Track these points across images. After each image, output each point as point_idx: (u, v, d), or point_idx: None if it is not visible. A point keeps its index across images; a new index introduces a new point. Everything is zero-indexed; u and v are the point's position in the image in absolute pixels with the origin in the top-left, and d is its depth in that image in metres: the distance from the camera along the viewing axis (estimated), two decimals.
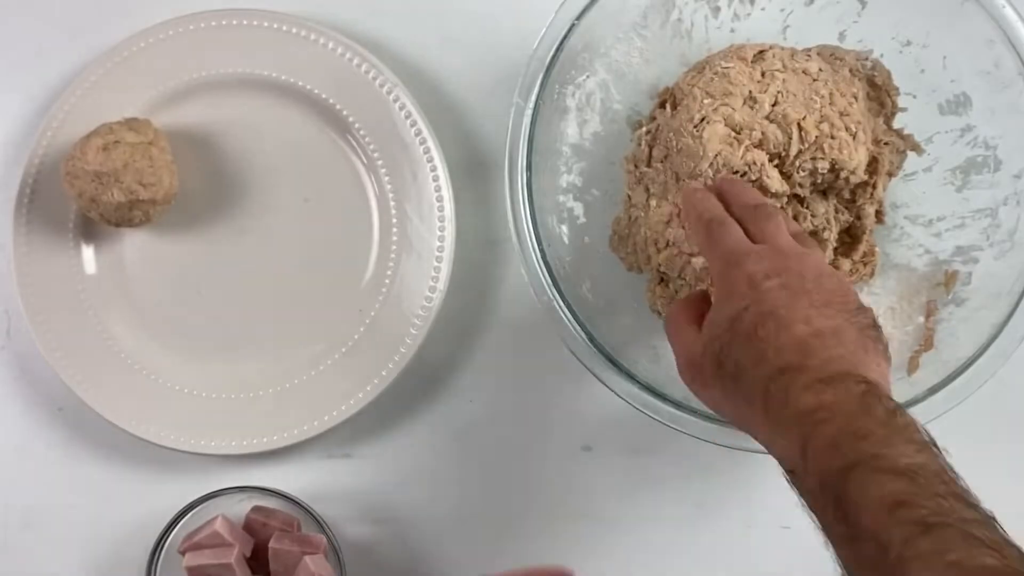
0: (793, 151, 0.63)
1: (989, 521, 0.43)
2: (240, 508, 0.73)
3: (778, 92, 0.64)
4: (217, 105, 0.75)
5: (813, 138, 0.63)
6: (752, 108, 0.64)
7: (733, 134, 0.64)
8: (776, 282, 0.53)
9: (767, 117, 0.64)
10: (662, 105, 0.69)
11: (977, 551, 0.41)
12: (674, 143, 0.65)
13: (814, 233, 0.67)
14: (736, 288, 0.54)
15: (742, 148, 0.63)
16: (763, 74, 0.65)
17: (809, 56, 0.66)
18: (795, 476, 0.48)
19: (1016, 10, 0.64)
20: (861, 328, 0.52)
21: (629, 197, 0.70)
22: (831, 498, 0.45)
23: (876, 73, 0.69)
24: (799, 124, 0.63)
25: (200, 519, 0.71)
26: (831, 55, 0.68)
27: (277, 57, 0.74)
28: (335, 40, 0.74)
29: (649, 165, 0.68)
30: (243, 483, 0.72)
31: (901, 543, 0.42)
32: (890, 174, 0.69)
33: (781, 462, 0.50)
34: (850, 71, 0.67)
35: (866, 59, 0.68)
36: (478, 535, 0.75)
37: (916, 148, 0.69)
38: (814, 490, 0.47)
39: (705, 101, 0.64)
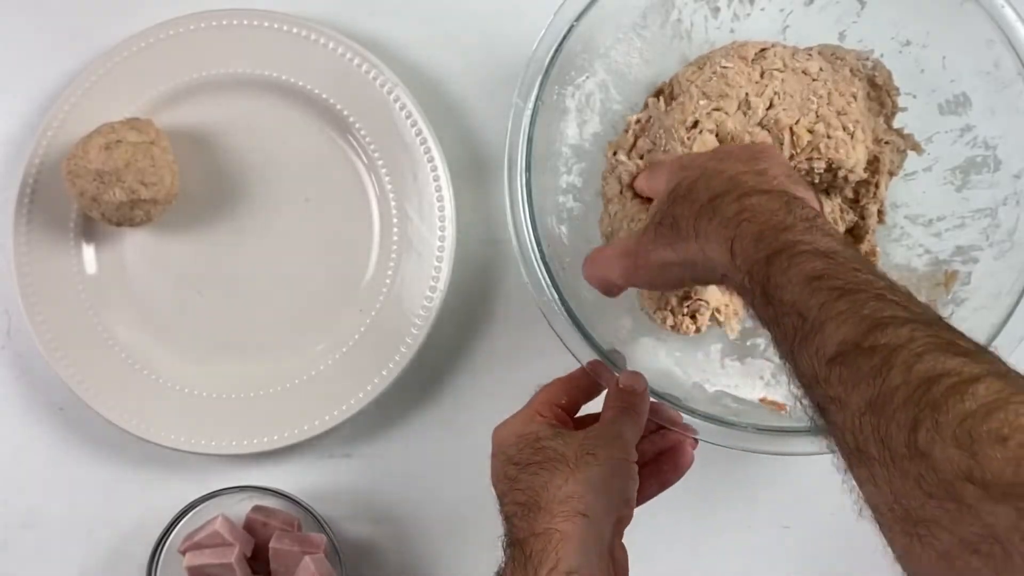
0: (785, 156, 0.64)
1: (900, 288, 0.45)
2: (240, 508, 0.73)
3: (775, 93, 0.64)
4: (217, 105, 0.75)
5: (805, 143, 0.63)
6: (745, 114, 0.64)
7: None
8: (708, 156, 0.58)
9: (760, 123, 0.64)
10: (657, 95, 0.69)
11: (887, 305, 0.43)
12: (663, 141, 0.65)
13: None
14: (670, 169, 0.58)
15: None
16: (762, 74, 0.65)
17: (810, 56, 0.66)
18: (727, 280, 0.50)
19: (1016, 10, 0.64)
20: (789, 170, 0.55)
21: (604, 190, 0.69)
22: (758, 285, 0.47)
23: (877, 73, 0.69)
24: (791, 129, 0.63)
25: (200, 519, 0.71)
26: (832, 55, 0.68)
27: (277, 57, 0.74)
28: (335, 40, 0.74)
29: (628, 155, 0.68)
30: (243, 483, 0.72)
31: (818, 308, 0.44)
32: (891, 173, 0.69)
33: (715, 272, 0.51)
34: (851, 71, 0.67)
35: (867, 59, 0.68)
36: (478, 535, 0.74)
37: (916, 148, 0.69)
38: (743, 285, 0.48)
39: (701, 102, 0.64)
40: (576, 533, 0.52)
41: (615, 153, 0.69)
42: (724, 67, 0.65)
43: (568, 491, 0.53)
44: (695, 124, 0.64)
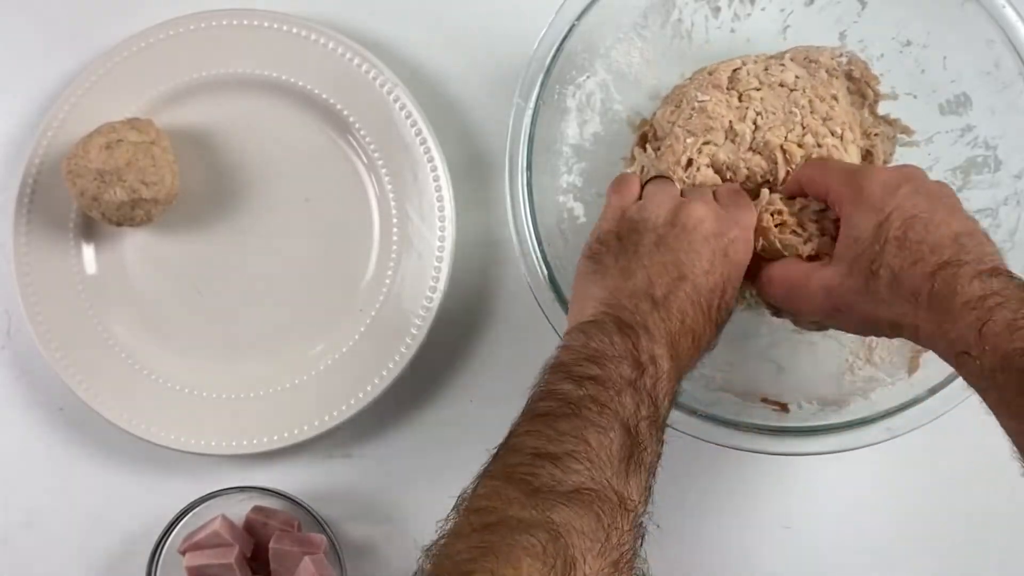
0: (781, 175, 0.64)
1: None
2: (240, 508, 0.73)
3: (757, 114, 0.64)
4: (217, 105, 0.75)
5: (798, 158, 0.63)
6: (734, 141, 0.64)
7: (720, 181, 0.64)
8: (909, 188, 0.57)
9: (750, 148, 0.64)
10: (641, 143, 0.69)
11: None
12: None
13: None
14: (869, 198, 0.57)
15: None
16: (740, 97, 0.65)
17: (783, 65, 0.66)
18: (969, 357, 0.51)
19: (1016, 10, 0.64)
20: (982, 229, 0.56)
21: None
22: (1015, 373, 0.49)
23: (853, 67, 0.69)
24: (781, 147, 0.63)
25: (200, 519, 0.71)
26: (805, 58, 0.68)
27: (277, 57, 0.74)
28: (335, 40, 0.74)
29: None
30: (243, 483, 0.72)
31: None
32: (885, 162, 0.69)
33: (954, 344, 0.52)
34: (827, 72, 0.67)
35: (840, 55, 0.68)
36: None
37: (906, 130, 0.69)
38: (995, 367, 0.50)
39: (688, 140, 0.64)
40: None
41: None
42: (701, 101, 0.65)
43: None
44: (689, 163, 0.64)
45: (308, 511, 0.71)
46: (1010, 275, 0.52)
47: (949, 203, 0.57)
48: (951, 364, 0.53)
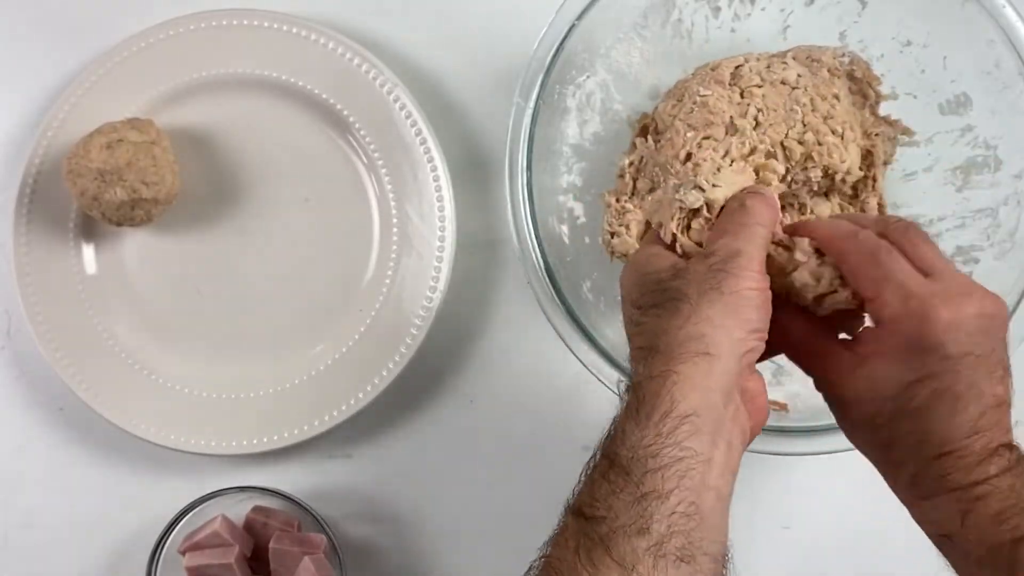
0: (780, 171, 0.64)
1: None
2: (240, 508, 0.73)
3: (758, 110, 0.64)
4: (217, 105, 0.75)
5: (798, 155, 0.63)
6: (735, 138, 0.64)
7: None
8: (973, 350, 0.49)
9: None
10: (642, 134, 0.69)
11: None
12: (660, 179, 0.65)
13: None
14: (922, 343, 0.49)
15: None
16: (742, 93, 0.64)
17: (786, 63, 0.66)
18: (952, 539, 0.49)
19: (1016, 10, 0.64)
20: (1009, 384, 0.51)
21: (613, 244, 0.68)
22: (1004, 563, 0.47)
23: (855, 67, 0.69)
24: (782, 144, 0.63)
25: (200, 519, 0.71)
26: (807, 57, 0.68)
27: (277, 57, 0.74)
28: (335, 40, 0.74)
29: (632, 199, 0.67)
30: (243, 483, 0.72)
31: None
32: (886, 163, 0.69)
33: (933, 525, 0.51)
34: (828, 71, 0.67)
35: (843, 55, 0.68)
36: (478, 535, 0.75)
37: (907, 131, 0.69)
38: (980, 555, 0.48)
39: (688, 135, 0.64)
40: (696, 373, 0.48)
41: (617, 200, 0.67)
42: (703, 95, 0.65)
43: (688, 332, 0.49)
44: (688, 156, 0.64)
45: (308, 511, 0.71)
46: (1006, 447, 0.49)
47: (1002, 362, 0.50)
48: (933, 542, 0.51)
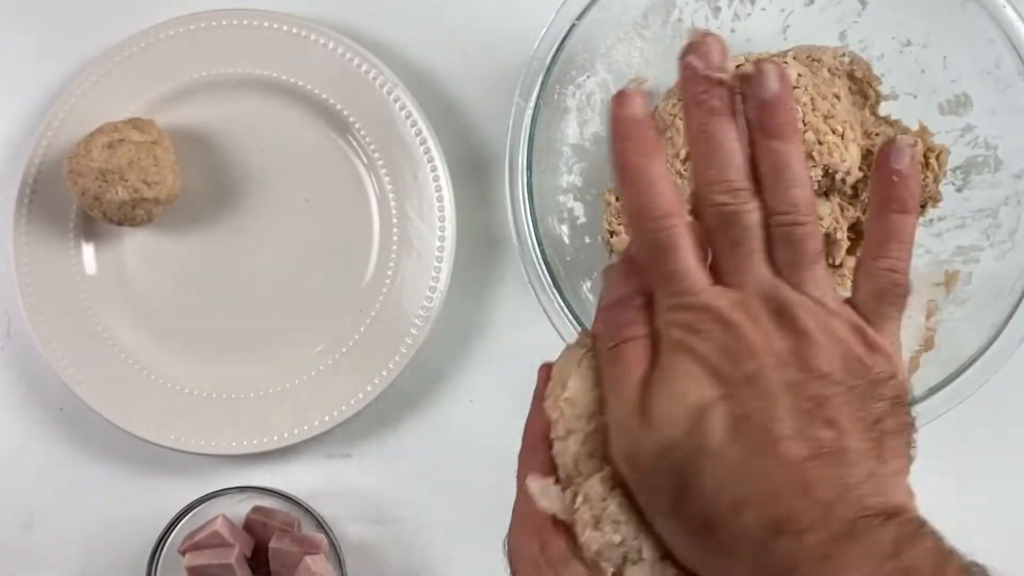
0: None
1: None
2: (240, 508, 0.73)
3: None
4: (217, 105, 0.75)
5: None
6: None
7: None
8: (767, 360, 0.37)
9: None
10: None
11: None
12: None
13: (826, 236, 0.67)
14: (687, 367, 0.38)
15: None
16: None
17: (786, 63, 0.66)
18: None
19: (1016, 10, 0.64)
20: (873, 423, 0.38)
21: (612, 242, 0.68)
22: None
23: (855, 67, 0.69)
24: None
25: (200, 519, 0.71)
26: (808, 57, 0.68)
27: (277, 57, 0.74)
28: (335, 40, 0.74)
29: None
30: (243, 483, 0.72)
31: None
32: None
33: None
34: (829, 71, 0.67)
35: (843, 55, 0.68)
36: (478, 535, 0.75)
37: (906, 132, 0.69)
38: None
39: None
40: None
41: (617, 199, 0.68)
42: None
43: None
44: (688, 156, 0.64)
45: (308, 511, 0.71)
46: (880, 519, 0.36)
47: (836, 382, 0.37)
48: None
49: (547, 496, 0.42)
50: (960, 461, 0.73)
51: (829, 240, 0.68)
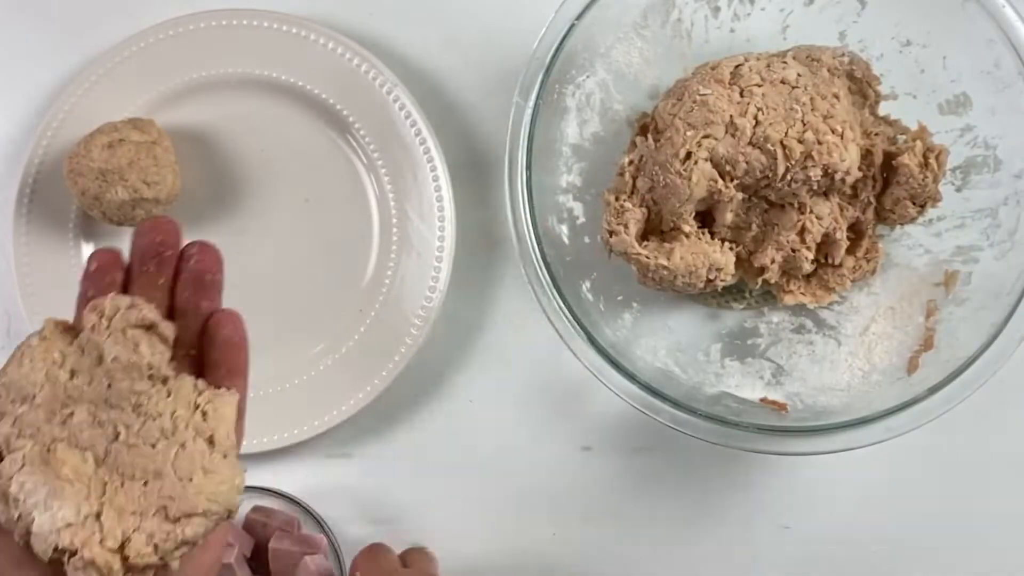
0: (780, 170, 0.64)
1: None
2: (240, 508, 0.72)
3: (758, 109, 0.64)
4: (217, 105, 0.75)
5: (798, 154, 0.63)
6: (734, 136, 0.64)
7: (717, 176, 0.64)
8: None
9: (750, 142, 0.64)
10: (642, 133, 0.69)
11: None
12: (660, 178, 0.65)
13: (826, 236, 0.67)
14: None
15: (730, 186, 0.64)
16: (742, 92, 0.65)
17: (786, 63, 0.66)
18: None
19: (1016, 10, 0.64)
20: None
21: (611, 243, 0.68)
22: None
23: (855, 67, 0.69)
24: (782, 143, 0.63)
25: None
26: (807, 57, 0.68)
27: (277, 57, 0.74)
28: (335, 40, 0.74)
29: (631, 197, 0.67)
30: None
31: None
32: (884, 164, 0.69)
33: None
34: (828, 71, 0.67)
35: (843, 55, 0.68)
36: (478, 535, 0.75)
37: (906, 132, 0.69)
38: None
39: (688, 134, 0.64)
40: None
41: (617, 198, 0.67)
42: (703, 94, 0.65)
43: None
44: (688, 155, 0.64)
45: (308, 511, 0.71)
46: None
47: None
48: None
49: None
50: (960, 461, 0.73)
51: (828, 240, 0.68)
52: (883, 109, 0.70)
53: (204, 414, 0.47)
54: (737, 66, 0.66)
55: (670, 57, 0.71)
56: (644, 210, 0.67)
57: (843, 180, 0.65)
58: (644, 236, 0.68)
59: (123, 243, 0.75)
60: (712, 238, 0.67)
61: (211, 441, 0.46)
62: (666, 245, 0.66)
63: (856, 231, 0.69)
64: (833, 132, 0.64)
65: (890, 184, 0.68)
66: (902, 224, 0.70)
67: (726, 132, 0.64)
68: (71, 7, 0.77)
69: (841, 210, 0.68)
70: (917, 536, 0.74)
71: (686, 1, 0.69)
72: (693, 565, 0.74)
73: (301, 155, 0.75)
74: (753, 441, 0.64)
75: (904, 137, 0.69)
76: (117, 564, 0.44)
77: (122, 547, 0.44)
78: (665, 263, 0.65)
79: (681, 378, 0.69)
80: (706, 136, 0.64)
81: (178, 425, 0.46)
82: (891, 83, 0.69)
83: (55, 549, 0.44)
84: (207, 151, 0.75)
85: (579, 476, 0.74)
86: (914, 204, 0.68)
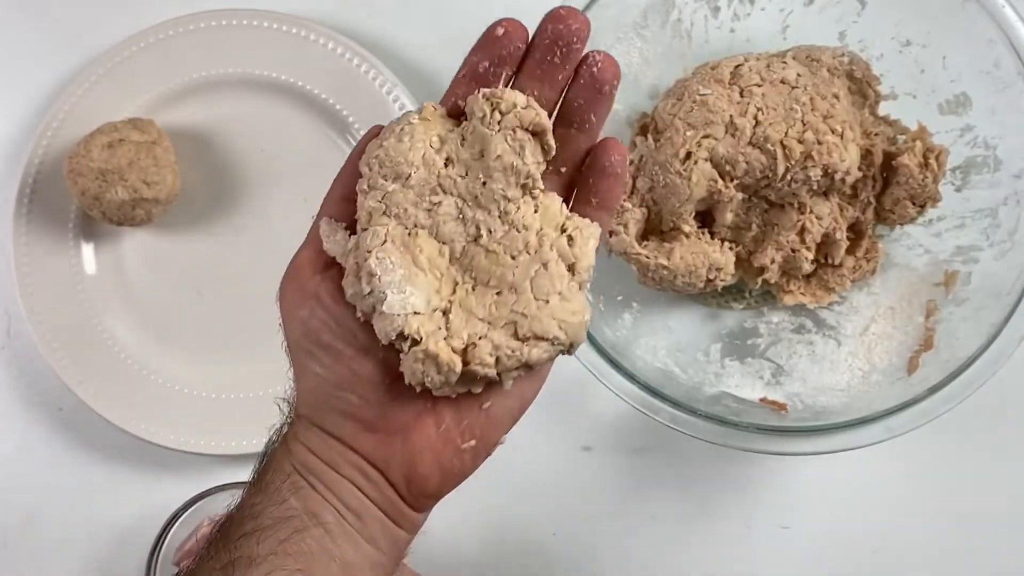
0: (780, 170, 0.64)
1: None
2: (227, 508, 0.72)
3: (758, 109, 0.64)
4: (217, 105, 0.75)
5: (798, 154, 0.63)
6: (734, 136, 0.64)
7: (717, 176, 0.64)
8: None
9: (750, 142, 0.64)
10: (642, 133, 0.69)
11: None
12: (660, 178, 0.65)
13: (826, 236, 0.67)
14: None
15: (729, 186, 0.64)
16: (741, 92, 0.65)
17: (785, 63, 0.66)
18: None
19: (1016, 10, 0.64)
20: None
21: (610, 242, 0.68)
22: None
23: (854, 67, 0.69)
24: (782, 143, 0.63)
25: (188, 526, 0.70)
26: (807, 57, 0.68)
27: (277, 57, 0.74)
28: (335, 40, 0.74)
29: (631, 198, 0.67)
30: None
31: None
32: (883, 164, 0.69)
33: None
34: (828, 71, 0.67)
35: (842, 55, 0.68)
36: (478, 535, 0.75)
37: (906, 132, 0.69)
38: None
39: (688, 133, 0.64)
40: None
41: None
42: (703, 94, 0.65)
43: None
44: (688, 155, 0.64)
45: None
46: None
47: None
48: None
49: (332, 239, 0.45)
50: (960, 461, 0.73)
51: (828, 240, 0.68)
52: (883, 109, 0.70)
53: (571, 239, 0.44)
54: (737, 66, 0.66)
55: (670, 57, 0.71)
56: (644, 210, 0.67)
57: (843, 180, 0.65)
58: (644, 236, 0.68)
59: (123, 243, 0.75)
60: (712, 238, 0.67)
61: (572, 269, 0.44)
62: (666, 245, 0.66)
63: (856, 231, 0.69)
64: (833, 132, 0.64)
65: (890, 184, 0.68)
66: (902, 224, 0.70)
67: (726, 132, 0.64)
68: (71, 7, 0.77)
69: (841, 210, 0.68)
70: (917, 536, 0.74)
71: (686, 1, 0.69)
72: (693, 565, 0.74)
73: (301, 155, 0.75)
74: (753, 441, 0.64)
75: (904, 137, 0.69)
76: (458, 365, 0.42)
77: (464, 351, 0.43)
78: (665, 263, 0.65)
79: (681, 378, 0.69)
80: (706, 136, 0.64)
81: (543, 243, 0.44)
82: (891, 83, 0.69)
83: (399, 335, 0.42)
84: (207, 151, 0.75)
85: (579, 476, 0.74)
86: (914, 204, 0.68)
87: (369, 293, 0.43)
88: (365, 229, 0.44)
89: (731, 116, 0.64)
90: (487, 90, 0.44)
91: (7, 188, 0.74)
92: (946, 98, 0.68)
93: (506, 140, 0.44)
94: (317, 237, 0.46)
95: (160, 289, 0.75)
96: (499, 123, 0.44)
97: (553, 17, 0.45)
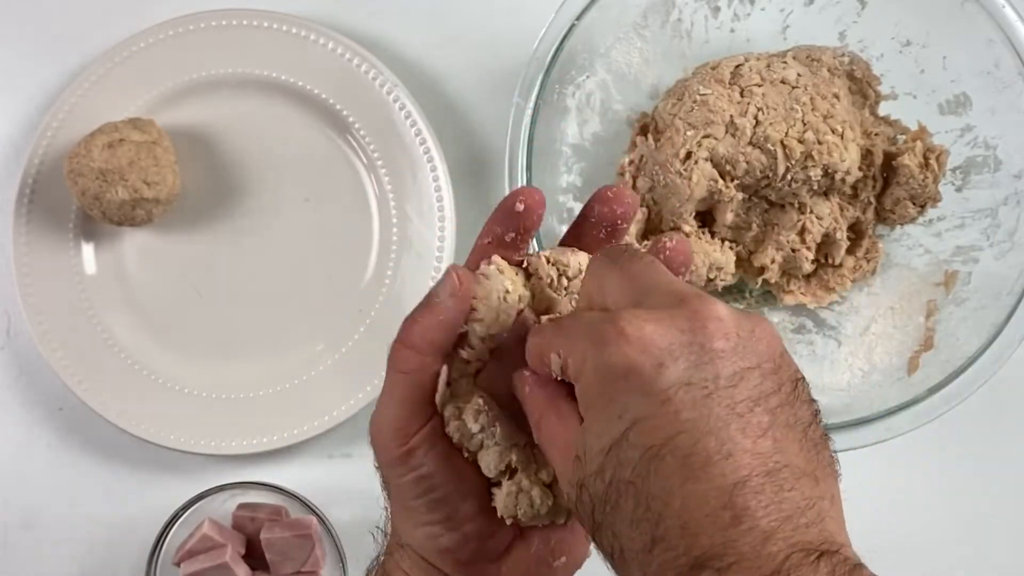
0: (780, 170, 0.64)
1: None
2: (226, 508, 0.72)
3: (758, 109, 0.64)
4: (217, 105, 0.75)
5: (798, 154, 0.63)
6: (735, 136, 0.64)
7: (718, 176, 0.64)
8: (691, 378, 0.33)
9: (750, 142, 0.64)
10: (642, 133, 0.69)
11: None
12: (660, 178, 0.65)
13: (826, 236, 0.67)
14: (611, 373, 0.34)
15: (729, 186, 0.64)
16: (742, 92, 0.65)
17: (786, 63, 0.66)
18: None
19: (1016, 10, 0.64)
20: (805, 429, 0.35)
21: None
22: None
23: (855, 67, 0.69)
24: (782, 143, 0.63)
25: (189, 526, 0.70)
26: (807, 57, 0.68)
27: (277, 57, 0.74)
28: (335, 40, 0.74)
29: None
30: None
31: None
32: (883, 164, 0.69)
33: None
34: (828, 70, 0.67)
35: (843, 55, 0.69)
36: None
37: (906, 132, 0.69)
38: None
39: (688, 133, 0.64)
40: None
41: None
42: (703, 94, 0.65)
43: None
44: (688, 155, 0.64)
45: (293, 496, 0.70)
46: (811, 557, 0.32)
47: (753, 397, 0.33)
48: None
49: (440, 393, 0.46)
50: (960, 461, 0.73)
51: (829, 240, 0.68)
52: (883, 109, 0.70)
53: None
54: (737, 66, 0.66)
55: (670, 57, 0.71)
56: (644, 210, 0.67)
57: (843, 180, 0.66)
58: (644, 236, 0.68)
59: (123, 243, 0.75)
60: (712, 238, 0.67)
61: None
62: None
63: (856, 231, 0.69)
64: (833, 132, 0.64)
65: (890, 184, 0.68)
66: (902, 224, 0.70)
67: (726, 132, 0.64)
68: (72, 7, 0.77)
69: (841, 210, 0.68)
70: (917, 536, 0.74)
71: (686, 1, 0.69)
72: None
73: (301, 155, 0.75)
74: None
75: (904, 137, 0.69)
76: (550, 498, 0.43)
77: (551, 484, 0.44)
78: None
79: None
80: (706, 136, 0.64)
81: None
82: (891, 83, 0.69)
83: (507, 466, 0.44)
84: (207, 151, 0.75)
85: None
86: (914, 204, 0.68)
87: (480, 430, 0.44)
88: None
89: (731, 116, 0.64)
90: (550, 254, 0.45)
91: (7, 188, 0.74)
92: (946, 98, 0.68)
93: (571, 304, 0.45)
94: (402, 393, 0.47)
95: (160, 289, 0.75)
96: (566, 288, 0.45)
97: (600, 199, 0.45)
